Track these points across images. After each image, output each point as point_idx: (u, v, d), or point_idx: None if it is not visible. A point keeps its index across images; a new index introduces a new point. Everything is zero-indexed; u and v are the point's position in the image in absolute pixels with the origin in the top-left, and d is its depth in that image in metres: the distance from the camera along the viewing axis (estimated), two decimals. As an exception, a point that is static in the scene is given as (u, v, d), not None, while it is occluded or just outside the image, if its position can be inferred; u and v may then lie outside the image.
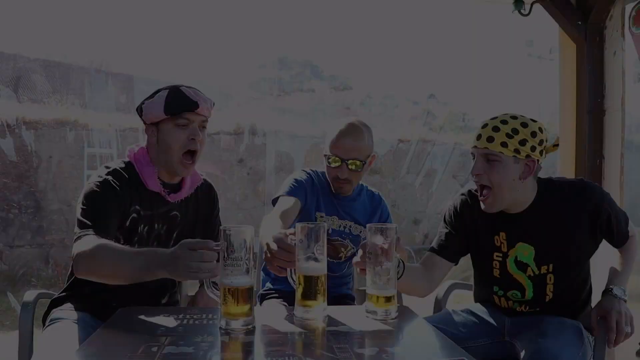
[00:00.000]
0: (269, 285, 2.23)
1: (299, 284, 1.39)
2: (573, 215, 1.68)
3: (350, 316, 1.51)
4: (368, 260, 1.40)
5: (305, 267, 1.37)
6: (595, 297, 1.75)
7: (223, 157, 7.76)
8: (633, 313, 1.64)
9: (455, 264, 1.86)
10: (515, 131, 1.62)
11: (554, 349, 1.49)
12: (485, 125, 1.66)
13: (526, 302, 1.76)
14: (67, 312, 1.67)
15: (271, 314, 1.67)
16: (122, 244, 1.58)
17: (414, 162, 8.99)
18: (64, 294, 1.75)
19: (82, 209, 1.60)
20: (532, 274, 1.71)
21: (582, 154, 2.96)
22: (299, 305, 1.41)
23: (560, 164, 3.04)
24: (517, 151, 1.62)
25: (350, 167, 1.99)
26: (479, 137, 1.66)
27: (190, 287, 2.12)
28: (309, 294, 1.39)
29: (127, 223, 1.67)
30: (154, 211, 1.72)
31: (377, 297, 1.42)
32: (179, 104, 1.65)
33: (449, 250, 1.83)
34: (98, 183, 1.63)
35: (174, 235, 1.78)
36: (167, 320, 1.42)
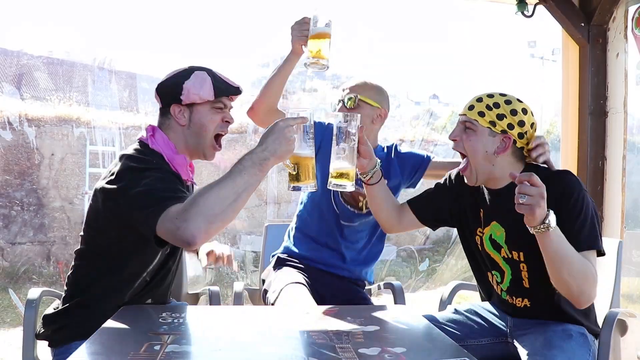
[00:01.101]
0: (288, 248, 2.26)
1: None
2: None
3: (353, 316, 1.52)
4: (335, 142, 1.59)
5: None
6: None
7: (225, 156, 7.75)
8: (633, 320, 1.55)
9: (420, 220, 1.90)
10: (497, 105, 1.63)
11: None
12: (474, 98, 1.69)
13: (509, 292, 1.71)
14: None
15: (273, 313, 1.68)
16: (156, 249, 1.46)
17: (416, 162, 8.95)
18: (68, 317, 1.60)
19: (147, 190, 1.42)
20: (506, 256, 1.68)
21: (584, 155, 2.96)
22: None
23: (562, 166, 3.03)
24: (492, 123, 1.61)
25: (347, 104, 2.13)
26: (464, 107, 1.69)
27: (190, 286, 2.14)
28: None
29: None
30: None
31: (335, 172, 1.60)
32: (225, 88, 1.66)
33: (418, 204, 1.91)
34: (162, 171, 1.53)
35: None
36: (169, 319, 1.42)
